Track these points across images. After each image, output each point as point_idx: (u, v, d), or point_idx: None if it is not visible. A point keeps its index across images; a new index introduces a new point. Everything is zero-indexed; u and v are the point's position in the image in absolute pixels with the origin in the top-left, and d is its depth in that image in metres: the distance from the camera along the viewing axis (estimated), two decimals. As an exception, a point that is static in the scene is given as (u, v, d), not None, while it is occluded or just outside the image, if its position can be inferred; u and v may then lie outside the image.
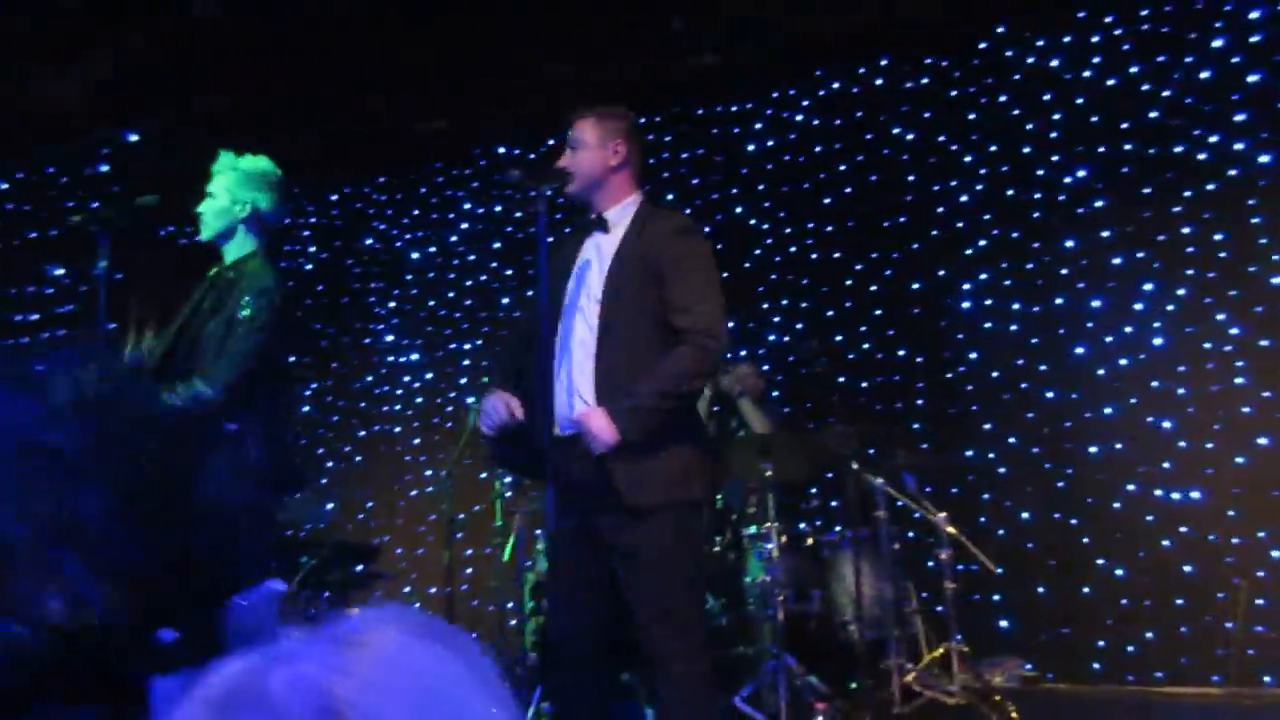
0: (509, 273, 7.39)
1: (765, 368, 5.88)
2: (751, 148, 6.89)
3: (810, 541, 4.80)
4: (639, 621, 2.62)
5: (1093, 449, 5.57)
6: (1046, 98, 6.04)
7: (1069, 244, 5.84)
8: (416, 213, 7.80)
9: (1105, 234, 5.76)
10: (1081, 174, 5.88)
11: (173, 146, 6.45)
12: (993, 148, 6.15)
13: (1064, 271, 5.83)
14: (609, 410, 2.58)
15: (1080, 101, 5.94)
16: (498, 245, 7.48)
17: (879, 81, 6.58)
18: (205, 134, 6.33)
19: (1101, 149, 5.85)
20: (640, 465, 2.61)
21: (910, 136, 6.44)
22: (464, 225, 7.65)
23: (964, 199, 6.19)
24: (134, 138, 6.77)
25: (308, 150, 7.08)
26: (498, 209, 7.53)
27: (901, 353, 6.15)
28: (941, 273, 6.14)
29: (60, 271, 6.57)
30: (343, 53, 6.12)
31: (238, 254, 3.15)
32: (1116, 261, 5.71)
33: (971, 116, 6.24)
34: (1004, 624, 5.51)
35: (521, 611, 5.00)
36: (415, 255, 7.73)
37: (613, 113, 2.95)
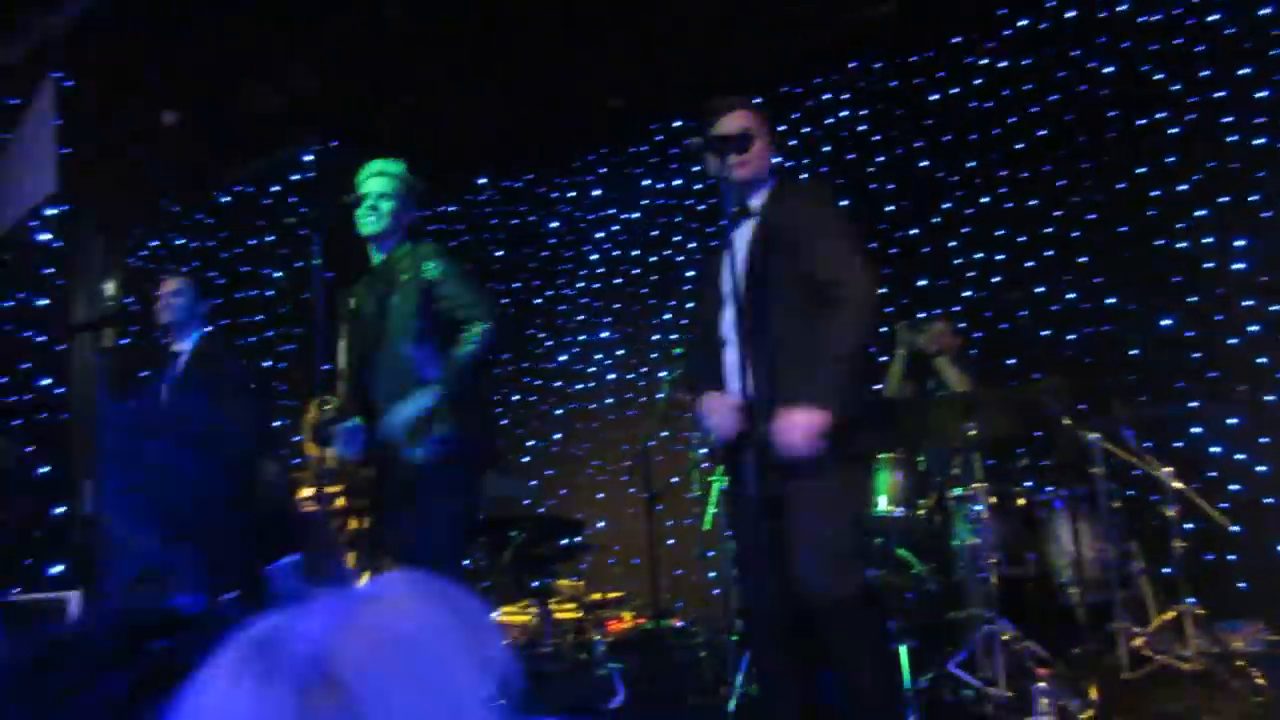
0: (692, 246, 7.42)
1: (962, 325, 5.67)
2: (935, 97, 6.63)
3: (1022, 502, 4.60)
4: (802, 574, 2.65)
5: (1338, 392, 5.08)
6: (1265, 11, 5.51)
7: (1300, 170, 5.32)
8: (598, 193, 7.94)
9: (1343, 155, 5.22)
10: (1311, 92, 5.35)
11: (369, 148, 6.79)
12: (1204, 73, 5.67)
13: (1295, 201, 5.32)
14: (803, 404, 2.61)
15: (1307, 11, 5.39)
16: (679, 219, 7.53)
17: (1070, 14, 6.19)
18: (396, 133, 6.65)
19: (1333, 62, 5.30)
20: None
21: (1109, 69, 6.03)
22: (645, 201, 7.73)
23: (1174, 131, 5.74)
24: (335, 143, 7.19)
25: (490, 141, 7.33)
26: (677, 183, 7.57)
27: (1111, 300, 5.79)
28: (1152, 212, 5.73)
29: (279, 275, 7.08)
30: (517, 41, 6.27)
31: (391, 251, 3.40)
32: (1358, 185, 5.17)
33: (1178, 41, 5.77)
34: (1242, 585, 5.12)
35: (725, 581, 5.04)
36: (600, 234, 7.88)
37: (754, 101, 3.02)
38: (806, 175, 6.94)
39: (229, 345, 4.63)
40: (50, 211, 6.03)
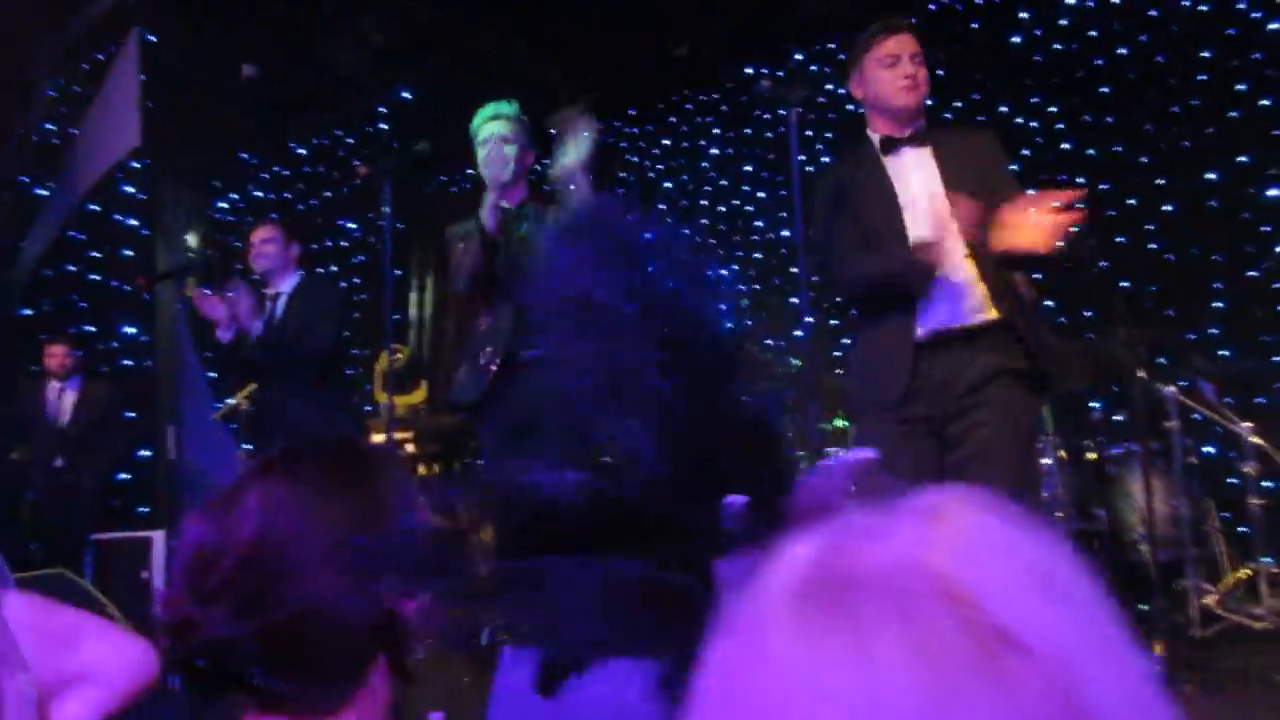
0: (761, 195, 7.33)
1: (1037, 275, 5.51)
2: (1017, 39, 6.40)
3: (1093, 456, 4.50)
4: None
5: None
6: (1374, -57, 5.18)
7: (1406, 112, 5.03)
8: (667, 142, 7.88)
9: None
10: None
11: (439, 100, 6.84)
12: (1306, 9, 5.37)
13: (1399, 145, 5.04)
14: None
15: None
16: (749, 169, 7.44)
17: (1164, -52, 5.90)
18: (466, 84, 6.67)
19: None
20: (1041, 339, 2.64)
21: (1204, 7, 5.74)
22: (714, 151, 7.65)
23: (1270, 73, 5.46)
24: (406, 95, 7.26)
25: (558, 90, 7.30)
26: (747, 131, 7.47)
27: (1196, 250, 5.56)
28: (1243, 159, 5.47)
29: (352, 225, 7.21)
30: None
31: (521, 199, 3.30)
32: None
33: (1278, -25, 5.47)
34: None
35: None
36: (668, 184, 7.83)
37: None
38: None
39: (327, 283, 4.72)
40: (134, 165, 6.22)
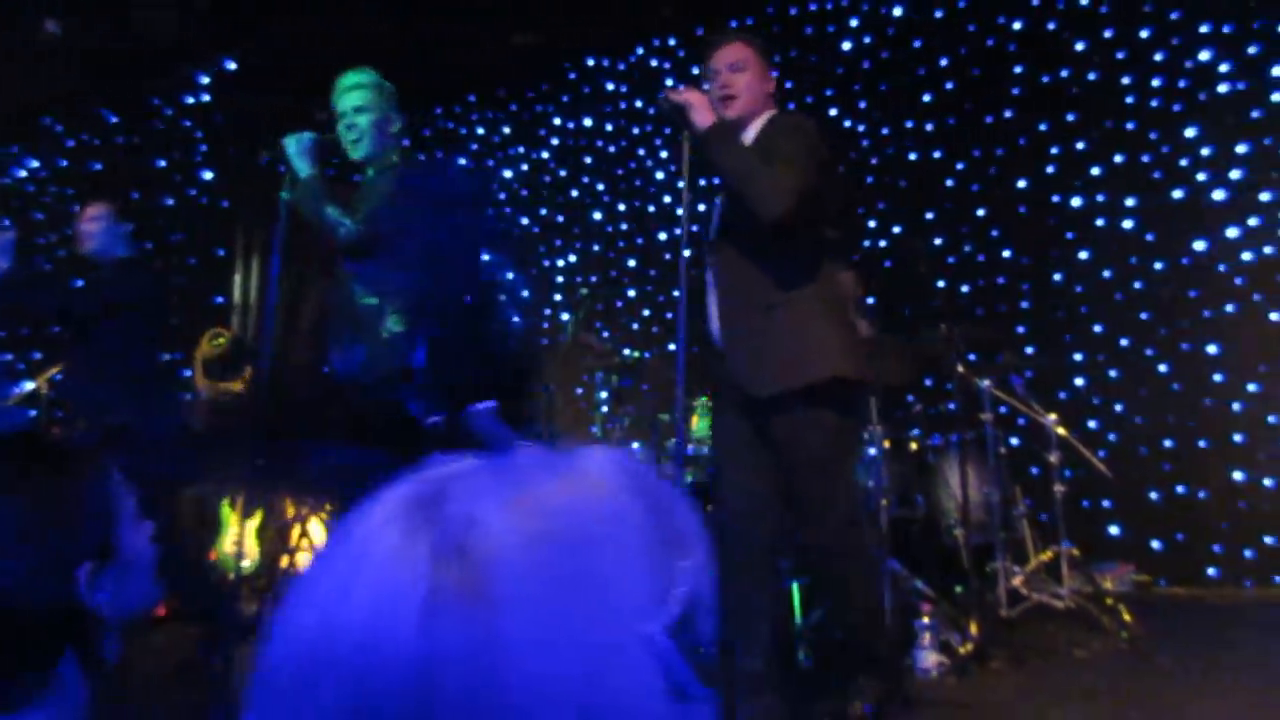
0: (600, 188, 7.35)
1: (862, 273, 5.75)
2: (847, 46, 6.65)
3: (914, 446, 4.72)
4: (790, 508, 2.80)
5: (1212, 349, 5.33)
6: (1166, -24, 5.65)
7: (1190, 133, 5.51)
8: (508, 130, 7.79)
9: (1231, 120, 5.41)
10: (1205, 56, 5.52)
11: (267, 71, 6.52)
12: (1107, 33, 5.80)
13: (1184, 163, 5.51)
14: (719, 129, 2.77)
15: (1204, -22, 5.54)
16: (589, 160, 7.44)
17: (983, -33, 6.25)
18: (296, 60, 6.38)
19: (1228, 29, 5.47)
20: (759, 359, 2.74)
21: (1017, 25, 6.12)
22: (555, 141, 7.61)
23: (1075, 90, 5.87)
24: (232, 66, 6.88)
25: (397, 70, 7.08)
26: (587, 123, 7.47)
27: (1006, 253, 5.94)
28: (1050, 169, 5.87)
29: (170, 201, 6.78)
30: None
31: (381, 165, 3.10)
32: (1242, 150, 5.37)
33: (1085, 2, 5.88)
34: (1114, 530, 5.38)
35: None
36: (508, 173, 7.74)
37: (760, 41, 3.06)
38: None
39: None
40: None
